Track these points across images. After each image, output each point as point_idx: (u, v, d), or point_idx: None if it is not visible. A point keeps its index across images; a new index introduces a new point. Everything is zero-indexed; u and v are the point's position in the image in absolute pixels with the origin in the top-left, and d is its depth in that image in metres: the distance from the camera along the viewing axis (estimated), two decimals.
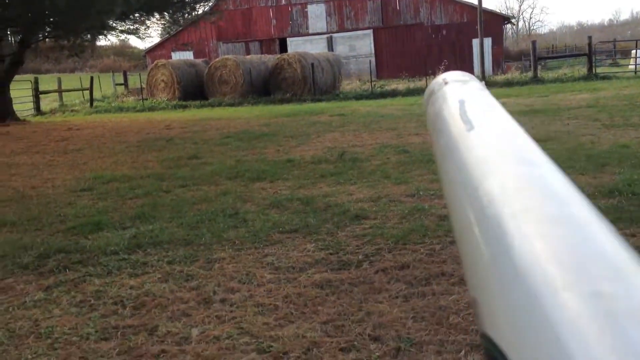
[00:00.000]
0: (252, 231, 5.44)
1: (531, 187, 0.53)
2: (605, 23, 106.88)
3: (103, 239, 5.44)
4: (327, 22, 39.47)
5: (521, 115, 12.99)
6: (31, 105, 25.04)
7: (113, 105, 25.53)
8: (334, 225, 5.49)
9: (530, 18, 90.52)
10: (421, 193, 6.39)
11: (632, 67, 27.87)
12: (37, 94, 24.91)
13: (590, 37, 25.93)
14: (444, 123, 0.79)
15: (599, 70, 25.82)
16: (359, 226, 5.42)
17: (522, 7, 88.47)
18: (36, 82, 24.92)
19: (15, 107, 21.74)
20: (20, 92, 25.12)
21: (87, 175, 8.85)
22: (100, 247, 5.15)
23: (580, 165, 7.13)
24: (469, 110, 0.77)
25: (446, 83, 1.00)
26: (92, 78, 27.43)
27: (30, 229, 5.95)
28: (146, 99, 25.67)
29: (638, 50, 27.28)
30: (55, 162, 10.69)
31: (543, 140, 9.34)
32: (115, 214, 6.36)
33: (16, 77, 21.97)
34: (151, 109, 23.60)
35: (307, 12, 39.53)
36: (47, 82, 31.04)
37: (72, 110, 24.66)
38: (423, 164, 8.02)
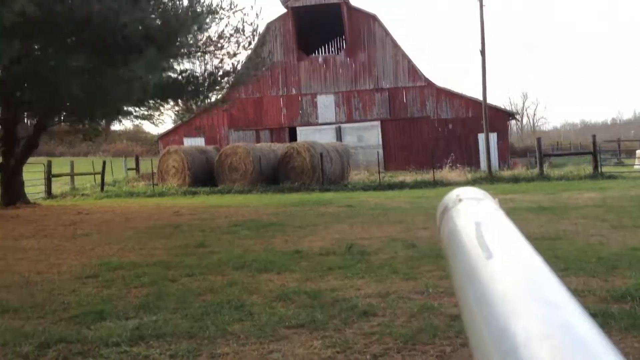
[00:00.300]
0: (258, 325, 5.35)
1: (555, 335, 0.52)
2: (609, 122, 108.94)
3: (105, 329, 5.35)
4: (336, 113, 40.38)
5: (529, 212, 13.01)
6: (42, 188, 25.32)
7: (124, 189, 25.79)
8: (342, 321, 5.40)
9: (534, 115, 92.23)
10: (430, 290, 6.31)
11: (637, 167, 28.11)
12: (49, 177, 25.24)
13: (594, 136, 26.32)
14: (461, 247, 0.79)
15: (605, 169, 26.02)
16: (367, 323, 5.33)
17: (525, 103, 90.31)
18: (49, 165, 25.30)
19: (27, 189, 21.97)
20: (32, 175, 25.46)
21: (94, 262, 8.82)
22: (102, 338, 5.06)
23: (591, 267, 7.06)
24: (487, 235, 0.77)
25: (460, 200, 1.00)
26: (104, 162, 27.87)
27: (32, 317, 5.87)
28: (156, 185, 25.94)
29: None
30: (62, 247, 10.69)
31: (552, 239, 9.31)
32: (119, 303, 6.28)
33: (30, 159, 22.32)
34: (161, 194, 23.80)
35: (316, 102, 40.54)
36: (60, 165, 31.51)
37: (82, 194, 24.89)
38: (432, 260, 7.96)
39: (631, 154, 38.59)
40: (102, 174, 26.91)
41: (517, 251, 0.71)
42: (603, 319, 5.04)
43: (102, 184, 26.62)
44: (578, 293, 5.90)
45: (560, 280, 0.62)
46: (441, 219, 1.04)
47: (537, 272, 0.65)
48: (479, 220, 0.85)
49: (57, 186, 27.42)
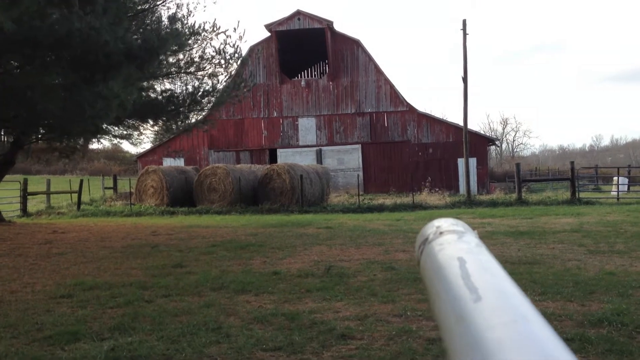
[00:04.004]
0: (235, 347, 5.29)
1: None
2: (587, 148, 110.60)
3: (80, 350, 5.25)
4: (317, 136, 40.49)
5: (507, 236, 13.10)
6: (18, 206, 24.98)
7: (101, 208, 25.52)
8: (320, 344, 5.36)
9: (514, 141, 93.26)
10: (408, 313, 6.29)
11: (614, 193, 28.51)
12: (25, 194, 24.92)
13: (572, 162, 26.69)
14: (446, 285, 0.78)
15: (582, 194, 26.37)
16: (345, 346, 5.29)
17: (505, 129, 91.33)
18: (25, 183, 25.00)
19: (2, 207, 21.68)
20: (8, 193, 25.12)
21: (68, 282, 8.68)
22: None
23: (568, 292, 7.10)
24: (473, 275, 0.76)
25: (441, 233, 0.99)
26: (81, 181, 27.59)
27: (5, 337, 5.74)
28: (134, 204, 25.72)
29: (620, 178, 28.05)
30: (37, 265, 10.51)
31: (530, 263, 9.37)
32: (94, 324, 6.18)
33: (5, 177, 22.03)
34: (139, 214, 23.59)
35: (298, 125, 40.64)
36: (37, 183, 31.15)
37: (58, 213, 24.57)
38: (410, 282, 7.95)
39: (608, 180, 39.15)
40: (79, 192, 26.62)
41: (504, 293, 0.71)
42: (580, 343, 5.06)
43: (79, 202, 26.32)
44: (555, 317, 5.93)
45: (552, 329, 0.62)
46: (421, 251, 1.02)
47: (529, 319, 0.64)
48: (462, 257, 0.84)
49: (33, 204, 27.07)
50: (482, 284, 0.73)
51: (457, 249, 0.88)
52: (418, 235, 1.07)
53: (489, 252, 0.86)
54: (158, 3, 19.68)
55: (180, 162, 39.18)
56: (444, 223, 1.04)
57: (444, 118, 40.87)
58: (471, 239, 0.95)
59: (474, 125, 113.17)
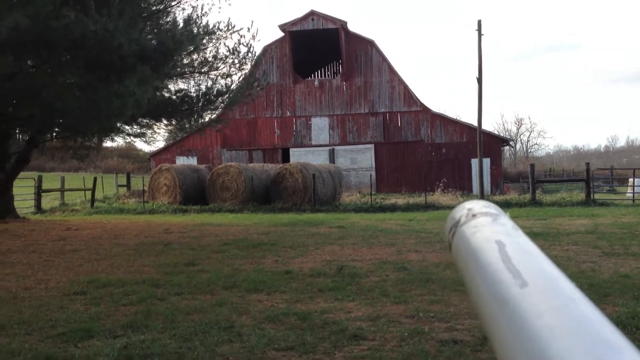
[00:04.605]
0: (247, 347, 5.29)
1: None
2: (602, 149, 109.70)
3: (93, 348, 5.28)
4: (329, 135, 40.48)
5: None
6: (32, 202, 25.18)
7: (114, 206, 25.68)
8: (331, 344, 5.35)
9: (528, 141, 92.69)
10: (421, 315, 6.27)
11: (629, 194, 28.25)
12: (39, 192, 25.11)
13: (588, 164, 26.48)
14: (485, 270, 0.75)
15: (597, 196, 26.15)
16: (357, 347, 5.28)
17: (520, 130, 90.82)
18: (39, 180, 25.19)
19: (17, 204, 21.84)
20: (22, 190, 25.32)
21: (82, 279, 8.73)
22: (89, 357, 4.98)
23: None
24: (514, 258, 0.74)
25: (474, 215, 0.95)
26: (95, 178, 27.76)
27: (19, 333, 5.78)
28: (147, 202, 25.85)
29: (635, 179, 27.78)
30: (51, 262, 10.59)
31: None
32: (107, 321, 6.21)
33: (20, 174, 22.21)
34: (152, 211, 23.70)
35: (310, 124, 40.65)
36: (51, 180, 31.37)
37: (72, 210, 24.75)
38: (422, 283, 7.92)
39: (623, 181, 38.82)
40: (93, 190, 26.79)
41: (549, 277, 0.68)
42: None
43: (93, 200, 26.49)
44: None
45: (602, 313, 0.60)
46: (452, 234, 0.98)
47: (578, 302, 0.62)
48: (500, 240, 0.80)
49: (47, 201, 27.27)
50: (525, 267, 0.70)
51: (493, 231, 0.85)
52: (447, 219, 1.03)
53: (526, 235, 0.84)
54: (173, 4, 19.76)
55: (193, 161, 39.34)
56: (476, 205, 1.00)
57: (458, 118, 40.70)
58: (506, 221, 0.91)
59: (488, 125, 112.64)
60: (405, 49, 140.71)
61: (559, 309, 0.59)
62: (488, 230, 0.86)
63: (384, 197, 29.82)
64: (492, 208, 0.99)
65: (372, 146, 39.99)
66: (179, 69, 19.74)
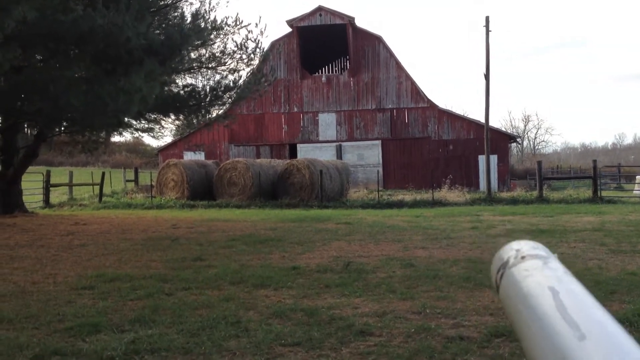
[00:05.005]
0: (254, 342, 5.31)
1: None
2: (609, 146, 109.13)
3: (100, 342, 5.31)
4: (337, 131, 40.49)
5: (527, 234, 12.99)
6: (41, 197, 25.31)
7: (122, 201, 25.78)
8: (338, 340, 5.36)
9: (535, 138, 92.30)
10: (427, 311, 6.27)
11: (637, 192, 28.12)
12: (47, 186, 25.24)
13: (595, 161, 26.39)
14: (540, 319, 0.72)
15: (604, 193, 26.04)
16: (364, 343, 5.29)
17: (527, 127, 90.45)
18: (48, 175, 25.31)
19: (25, 198, 21.95)
20: (31, 184, 25.45)
21: (90, 273, 8.78)
22: (97, 352, 5.01)
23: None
24: (569, 308, 0.73)
25: (523, 257, 0.93)
26: (103, 173, 27.89)
27: (27, 327, 5.83)
28: (155, 197, 25.94)
29: None
30: (59, 257, 10.65)
31: None
32: (114, 316, 6.24)
33: (29, 168, 22.32)
34: (159, 206, 23.77)
35: (318, 120, 40.66)
36: (59, 174, 31.52)
37: (80, 204, 24.86)
38: (429, 280, 7.93)
39: (631, 179, 38.63)
40: (101, 184, 26.90)
41: (607, 330, 0.67)
42: None
43: (101, 194, 26.60)
44: None
45: None
46: (500, 275, 0.96)
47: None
48: (554, 287, 0.79)
49: (55, 196, 27.40)
50: (582, 319, 0.69)
51: (546, 276, 0.84)
52: (494, 259, 1.01)
53: (577, 280, 0.83)
54: None
55: (200, 156, 39.42)
56: (524, 246, 0.98)
57: (465, 114, 40.61)
58: (557, 266, 0.89)
59: (496, 122, 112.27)
60: (412, 45, 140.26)
61: None
62: (539, 275, 0.84)
63: (391, 194, 29.81)
64: (541, 250, 0.97)
65: (379, 142, 39.98)
66: (186, 64, 19.77)
